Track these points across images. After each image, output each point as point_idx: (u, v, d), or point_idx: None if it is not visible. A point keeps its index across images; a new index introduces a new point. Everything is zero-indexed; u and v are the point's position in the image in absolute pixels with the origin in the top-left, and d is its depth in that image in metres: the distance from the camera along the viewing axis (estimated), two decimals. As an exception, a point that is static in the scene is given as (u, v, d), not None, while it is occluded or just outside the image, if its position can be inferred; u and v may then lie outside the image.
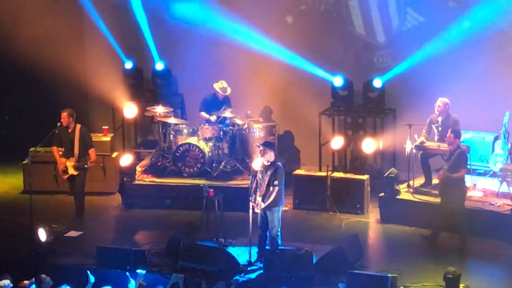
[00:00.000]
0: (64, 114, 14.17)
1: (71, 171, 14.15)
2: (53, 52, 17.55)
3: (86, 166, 14.17)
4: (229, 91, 15.95)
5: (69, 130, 14.17)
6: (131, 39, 17.53)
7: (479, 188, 14.50)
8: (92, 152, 14.24)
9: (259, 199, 12.49)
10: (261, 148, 12.56)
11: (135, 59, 17.53)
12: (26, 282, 11.31)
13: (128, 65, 17.43)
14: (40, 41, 17.52)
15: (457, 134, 13.30)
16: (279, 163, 12.69)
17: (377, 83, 15.99)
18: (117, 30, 17.53)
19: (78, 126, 14.22)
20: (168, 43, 17.41)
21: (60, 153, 14.32)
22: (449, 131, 13.43)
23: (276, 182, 12.44)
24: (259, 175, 12.61)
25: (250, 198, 12.65)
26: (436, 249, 13.35)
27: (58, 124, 14.24)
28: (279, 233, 12.66)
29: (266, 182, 12.48)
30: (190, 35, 17.18)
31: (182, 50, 17.32)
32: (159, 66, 17.35)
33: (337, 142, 15.90)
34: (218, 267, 12.18)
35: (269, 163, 12.55)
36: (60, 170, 14.23)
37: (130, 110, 17.09)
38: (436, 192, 14.09)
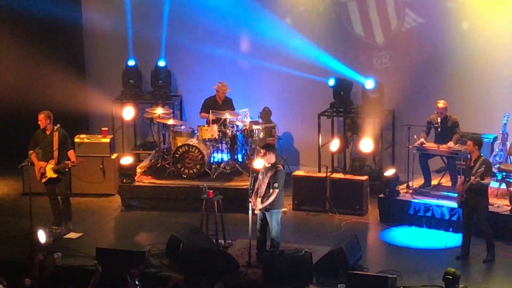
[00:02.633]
0: (41, 117, 13.89)
1: (50, 174, 13.87)
2: (51, 53, 17.61)
3: (66, 169, 14.00)
4: (227, 89, 15.99)
5: (47, 133, 13.92)
6: (133, 37, 17.53)
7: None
8: (71, 153, 14.02)
9: (258, 200, 12.49)
10: (263, 151, 12.58)
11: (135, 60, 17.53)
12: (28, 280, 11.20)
13: (131, 62, 17.37)
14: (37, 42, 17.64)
15: (476, 141, 12.82)
16: (280, 166, 12.70)
17: (369, 84, 15.97)
18: (121, 28, 17.58)
19: (56, 127, 13.89)
20: (167, 44, 17.40)
21: (39, 155, 14.06)
22: (469, 138, 13.09)
23: (276, 185, 12.44)
24: (259, 176, 12.62)
25: (250, 199, 12.66)
26: (436, 250, 13.37)
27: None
28: (279, 236, 12.66)
29: (266, 184, 12.48)
30: (190, 36, 17.19)
31: (181, 51, 17.32)
32: (162, 63, 17.31)
33: (334, 144, 15.93)
34: (217, 268, 12.19)
35: (270, 165, 12.57)
36: (39, 174, 13.93)
37: (128, 111, 17.08)
38: (437, 193, 14.23)
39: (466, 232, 12.94)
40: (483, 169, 12.49)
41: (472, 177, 12.51)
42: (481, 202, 12.81)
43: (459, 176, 13.39)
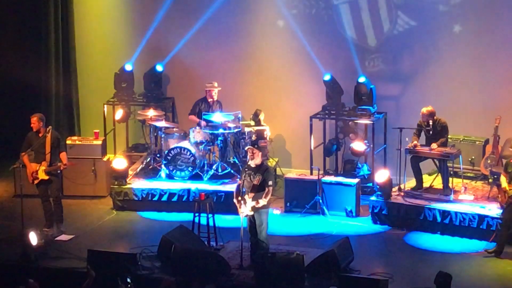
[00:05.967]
0: (34, 119, 13.87)
1: (42, 175, 13.83)
2: (43, 55, 17.61)
3: (59, 171, 13.99)
4: (217, 87, 15.99)
5: (40, 135, 13.88)
6: (128, 41, 17.50)
7: (470, 192, 14.55)
8: (63, 156, 13.99)
9: (249, 200, 12.44)
10: (251, 151, 12.57)
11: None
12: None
13: (128, 67, 17.26)
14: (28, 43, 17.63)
15: None
16: (267, 164, 12.74)
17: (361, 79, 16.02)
18: (114, 30, 17.56)
19: (49, 129, 13.86)
20: (159, 46, 17.38)
21: (32, 157, 14.02)
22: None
23: (270, 182, 12.45)
24: (246, 178, 12.58)
25: (235, 200, 12.62)
26: (427, 252, 13.40)
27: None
28: (267, 237, 12.65)
29: (257, 184, 12.44)
30: (182, 39, 17.18)
31: (173, 53, 17.30)
32: (159, 68, 17.25)
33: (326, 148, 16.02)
34: (209, 271, 12.19)
35: (256, 166, 12.56)
36: (31, 176, 13.89)
37: (120, 113, 17.05)
38: (429, 196, 14.31)
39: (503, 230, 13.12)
40: None
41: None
42: None
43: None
